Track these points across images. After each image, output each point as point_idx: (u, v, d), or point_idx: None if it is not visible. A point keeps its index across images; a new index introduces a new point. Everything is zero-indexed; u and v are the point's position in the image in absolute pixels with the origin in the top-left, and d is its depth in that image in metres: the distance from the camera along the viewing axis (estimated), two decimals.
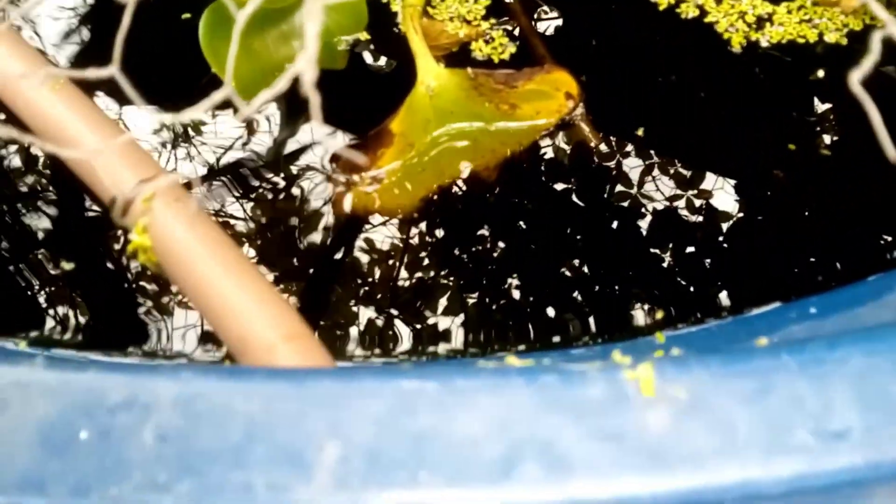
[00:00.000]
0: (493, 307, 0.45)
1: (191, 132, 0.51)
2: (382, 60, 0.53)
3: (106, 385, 0.20)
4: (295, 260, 0.47)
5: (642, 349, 0.36)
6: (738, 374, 0.21)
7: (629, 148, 0.50)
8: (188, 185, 0.40)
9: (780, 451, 0.20)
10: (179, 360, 0.41)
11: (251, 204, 0.48)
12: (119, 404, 0.20)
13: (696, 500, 0.19)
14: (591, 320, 0.44)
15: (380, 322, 0.45)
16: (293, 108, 0.51)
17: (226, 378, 0.21)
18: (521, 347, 0.43)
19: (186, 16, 0.52)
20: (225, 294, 0.31)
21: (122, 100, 0.51)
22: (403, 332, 0.45)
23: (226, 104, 0.51)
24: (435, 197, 0.48)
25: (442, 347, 0.44)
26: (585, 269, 0.46)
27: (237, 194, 0.49)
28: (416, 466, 0.19)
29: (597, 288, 0.46)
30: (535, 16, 0.54)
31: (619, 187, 0.49)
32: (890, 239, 0.46)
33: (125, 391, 0.20)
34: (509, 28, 0.53)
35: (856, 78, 0.15)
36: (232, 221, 0.47)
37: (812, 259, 0.46)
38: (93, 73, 0.19)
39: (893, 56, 0.51)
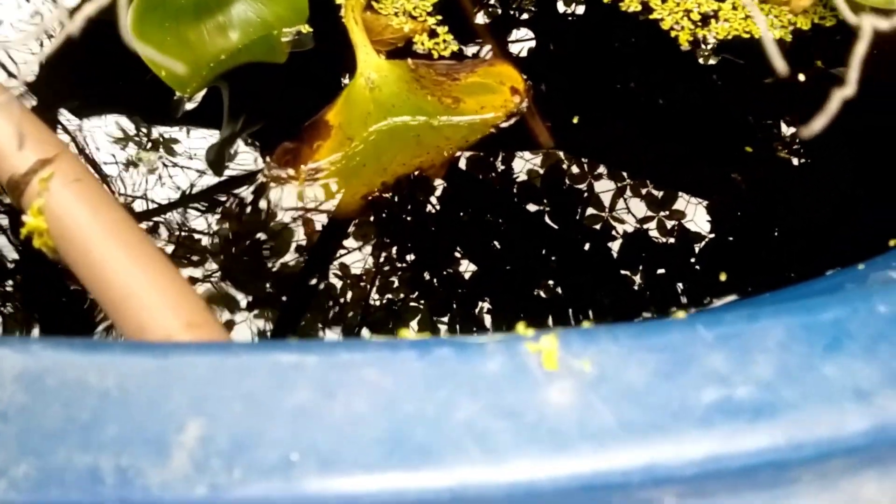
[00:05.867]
0: (440, 307, 0.43)
1: (138, 140, 0.49)
2: (323, 54, 0.51)
3: None
4: (224, 259, 0.45)
5: None
6: (650, 347, 0.19)
7: (580, 146, 0.48)
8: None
9: (692, 430, 0.18)
10: None
11: (189, 205, 0.46)
12: None
13: (599, 484, 0.17)
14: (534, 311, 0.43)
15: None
16: (233, 106, 0.50)
17: (80, 352, 0.18)
18: None
19: None
20: (122, 278, 0.28)
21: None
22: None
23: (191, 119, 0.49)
24: (378, 195, 0.46)
25: None
26: (535, 265, 0.44)
27: (171, 194, 0.47)
28: (289, 447, 0.17)
29: (549, 284, 0.44)
30: (484, 13, 0.53)
31: (571, 189, 0.47)
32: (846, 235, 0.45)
33: None
34: (455, 24, 0.51)
35: None
36: (168, 222, 0.45)
37: (766, 258, 0.45)
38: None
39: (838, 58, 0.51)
